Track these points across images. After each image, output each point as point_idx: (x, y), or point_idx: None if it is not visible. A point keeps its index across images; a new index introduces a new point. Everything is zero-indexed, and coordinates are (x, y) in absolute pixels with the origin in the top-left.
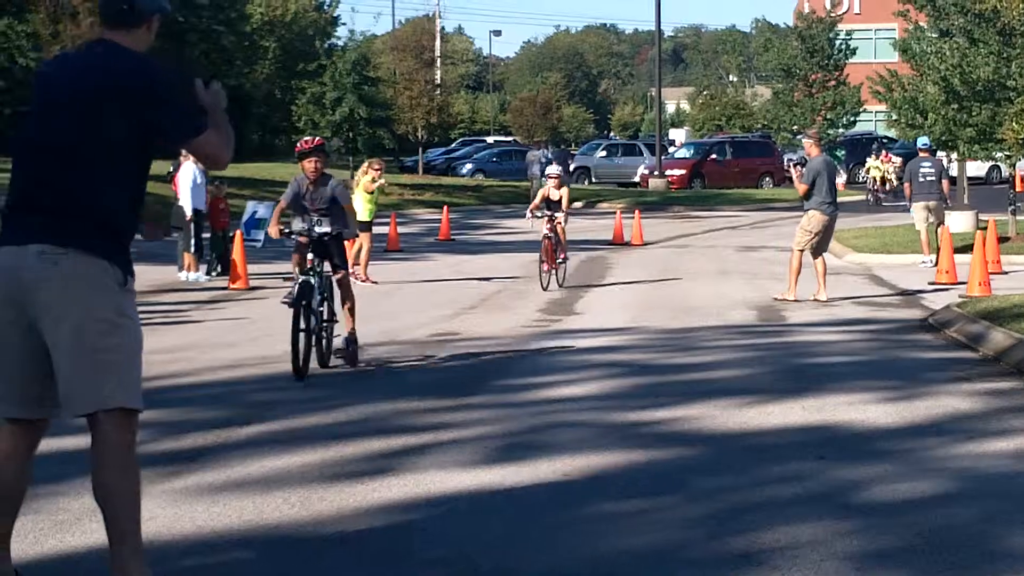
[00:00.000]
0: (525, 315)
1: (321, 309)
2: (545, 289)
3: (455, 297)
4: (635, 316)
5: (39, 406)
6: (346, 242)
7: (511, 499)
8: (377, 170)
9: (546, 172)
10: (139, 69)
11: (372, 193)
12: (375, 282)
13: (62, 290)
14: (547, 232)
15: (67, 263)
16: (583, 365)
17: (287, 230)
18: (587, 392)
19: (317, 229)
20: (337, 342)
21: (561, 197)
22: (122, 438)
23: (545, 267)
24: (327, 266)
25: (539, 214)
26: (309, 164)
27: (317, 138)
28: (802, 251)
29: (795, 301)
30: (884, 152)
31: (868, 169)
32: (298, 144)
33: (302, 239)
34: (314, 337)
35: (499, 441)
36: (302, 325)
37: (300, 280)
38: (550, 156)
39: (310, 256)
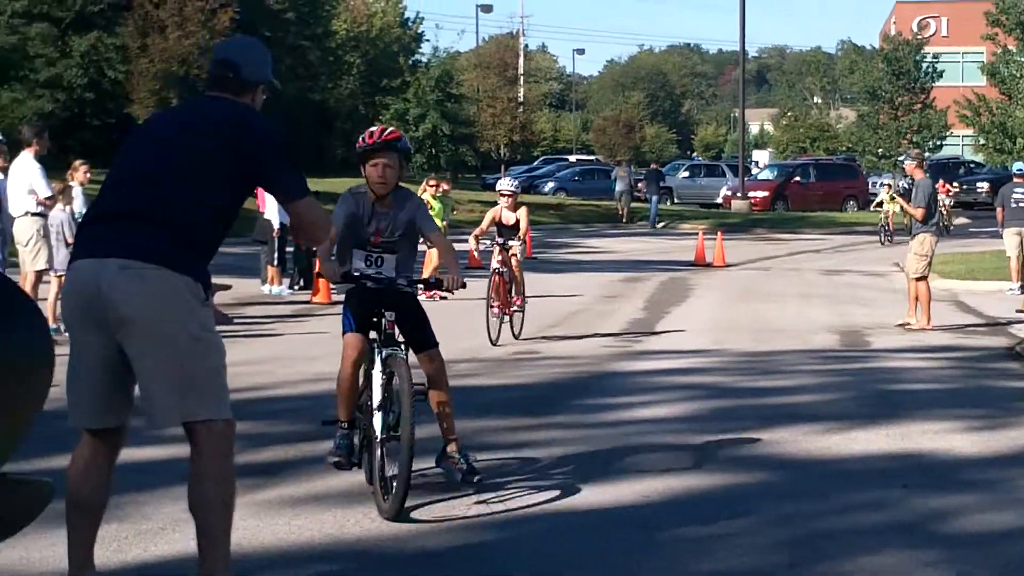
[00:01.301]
0: (607, 335)
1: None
2: (495, 343)
3: (536, 316)
4: (716, 338)
5: (116, 415)
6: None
7: (590, 520)
8: (433, 186)
9: (499, 187)
10: (250, 113)
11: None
12: (444, 297)
13: (146, 305)
14: (497, 266)
15: (152, 278)
16: (664, 386)
17: (353, 271)
18: (668, 414)
19: (384, 272)
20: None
21: (517, 221)
22: (217, 449)
23: (495, 310)
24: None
25: (486, 242)
26: (375, 170)
27: (391, 130)
28: (923, 278)
29: (930, 329)
30: (941, 182)
31: (880, 202)
32: (361, 138)
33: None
34: (377, 471)
35: (579, 461)
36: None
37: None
38: (632, 173)
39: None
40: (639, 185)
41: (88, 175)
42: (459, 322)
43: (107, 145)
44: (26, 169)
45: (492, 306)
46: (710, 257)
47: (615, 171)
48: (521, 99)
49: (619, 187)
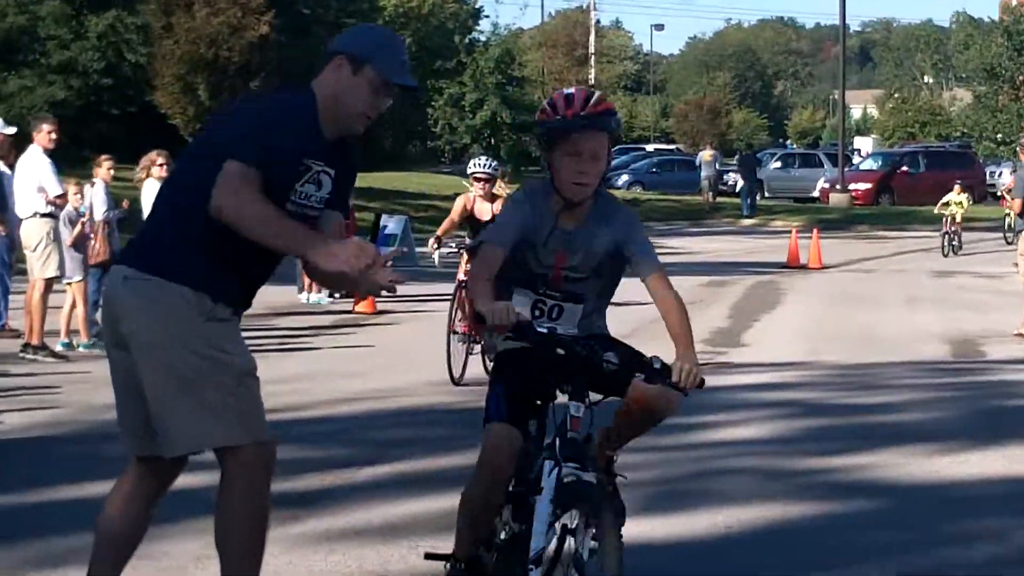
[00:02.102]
0: None
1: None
2: (457, 382)
3: (612, 324)
4: (811, 349)
5: (156, 444)
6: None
7: (665, 553)
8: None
9: (470, 169)
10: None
11: None
12: None
13: (145, 319)
14: (463, 278)
15: (148, 291)
16: (750, 404)
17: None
18: (754, 435)
19: (561, 330)
20: None
21: (495, 216)
22: (247, 478)
23: (461, 329)
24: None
25: (450, 245)
26: (573, 161)
27: (599, 95)
28: None
29: None
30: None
31: (946, 202)
32: (550, 105)
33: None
34: None
35: (654, 488)
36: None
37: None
38: (719, 159)
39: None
40: (729, 178)
41: (112, 171)
42: None
43: (127, 137)
44: (35, 164)
45: (455, 330)
46: (804, 258)
47: (700, 154)
48: (592, 82)
49: (705, 172)
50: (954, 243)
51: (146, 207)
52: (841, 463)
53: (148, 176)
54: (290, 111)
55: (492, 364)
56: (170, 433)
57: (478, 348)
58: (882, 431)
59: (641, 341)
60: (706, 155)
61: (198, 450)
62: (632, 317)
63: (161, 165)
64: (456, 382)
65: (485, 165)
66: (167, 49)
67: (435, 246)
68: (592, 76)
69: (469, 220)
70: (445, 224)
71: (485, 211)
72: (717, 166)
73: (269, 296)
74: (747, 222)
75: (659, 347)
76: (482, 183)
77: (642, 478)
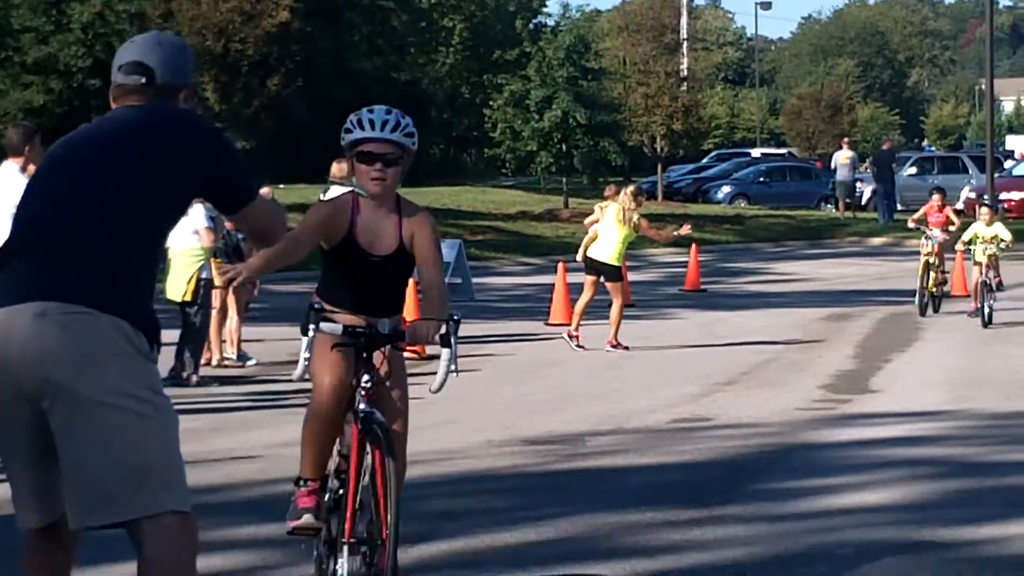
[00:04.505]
0: (802, 393)
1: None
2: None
3: (706, 369)
4: (955, 396)
5: (60, 503)
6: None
7: None
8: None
9: None
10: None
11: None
12: (627, 347)
13: (72, 361)
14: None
15: (79, 326)
16: (880, 463)
17: None
18: (886, 500)
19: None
20: None
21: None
22: (174, 552)
23: None
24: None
25: None
26: None
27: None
28: None
29: None
30: (982, 204)
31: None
32: None
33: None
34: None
35: (762, 569)
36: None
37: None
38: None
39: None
40: (859, 188)
41: None
42: (600, 380)
43: None
44: (10, 185)
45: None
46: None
47: (835, 156)
48: (685, 73)
49: (840, 175)
50: (990, 307)
51: None
52: (993, 533)
53: None
54: None
55: None
56: (98, 500)
57: None
58: None
59: (745, 388)
60: (843, 157)
61: (131, 518)
62: (730, 360)
63: None
64: None
65: None
66: None
67: None
68: (685, 67)
69: None
70: None
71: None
72: (855, 167)
73: (294, 342)
74: (877, 241)
75: None
76: None
77: (747, 555)
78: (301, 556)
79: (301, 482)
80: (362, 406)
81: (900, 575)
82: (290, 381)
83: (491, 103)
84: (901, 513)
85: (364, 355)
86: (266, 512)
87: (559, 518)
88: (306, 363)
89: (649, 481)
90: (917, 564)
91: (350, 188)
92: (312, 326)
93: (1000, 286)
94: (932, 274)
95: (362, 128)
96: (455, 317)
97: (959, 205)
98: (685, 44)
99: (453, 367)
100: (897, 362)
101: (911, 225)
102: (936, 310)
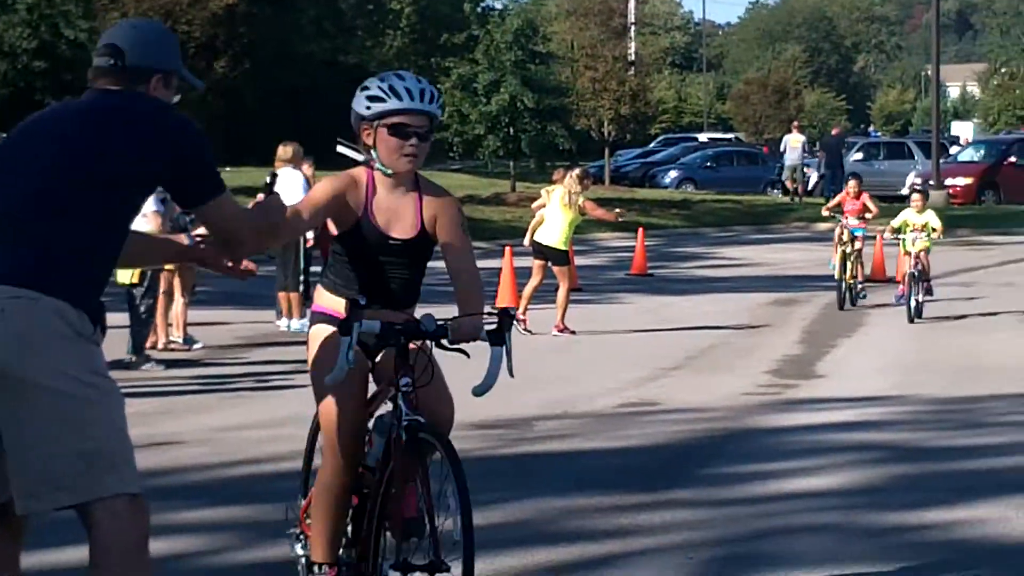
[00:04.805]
0: (749, 378)
1: None
2: None
3: (653, 353)
4: (899, 381)
5: (6, 488)
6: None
7: None
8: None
9: None
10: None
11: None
12: (574, 332)
13: (11, 346)
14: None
15: (17, 309)
16: (826, 447)
17: None
18: (831, 485)
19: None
20: None
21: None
22: (125, 536)
23: None
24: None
25: None
26: None
27: None
28: None
29: None
30: (914, 191)
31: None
32: None
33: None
34: None
35: (709, 551)
36: None
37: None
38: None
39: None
40: (808, 171)
41: None
42: (547, 365)
43: None
44: None
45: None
46: (892, 269)
47: (786, 139)
48: (632, 58)
49: (790, 158)
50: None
51: None
52: (937, 518)
53: None
54: None
55: None
56: (44, 484)
57: None
58: (987, 479)
59: (691, 373)
60: (793, 140)
61: (77, 502)
62: (676, 344)
63: None
64: None
65: None
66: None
67: None
68: (632, 51)
69: None
70: None
71: None
72: (805, 150)
73: (241, 325)
74: (823, 227)
75: None
76: None
77: (694, 538)
78: (251, 539)
79: (317, 568)
80: (405, 411)
81: (845, 559)
82: (237, 364)
83: (439, 86)
84: (847, 497)
85: (401, 356)
86: (215, 496)
87: (506, 502)
88: (351, 366)
89: (596, 465)
90: (862, 548)
91: (295, 170)
92: (356, 324)
93: (930, 291)
94: (849, 265)
95: (398, 98)
96: (511, 312)
97: (903, 191)
98: (633, 28)
99: (507, 367)
100: (843, 347)
101: (825, 213)
102: (854, 303)
